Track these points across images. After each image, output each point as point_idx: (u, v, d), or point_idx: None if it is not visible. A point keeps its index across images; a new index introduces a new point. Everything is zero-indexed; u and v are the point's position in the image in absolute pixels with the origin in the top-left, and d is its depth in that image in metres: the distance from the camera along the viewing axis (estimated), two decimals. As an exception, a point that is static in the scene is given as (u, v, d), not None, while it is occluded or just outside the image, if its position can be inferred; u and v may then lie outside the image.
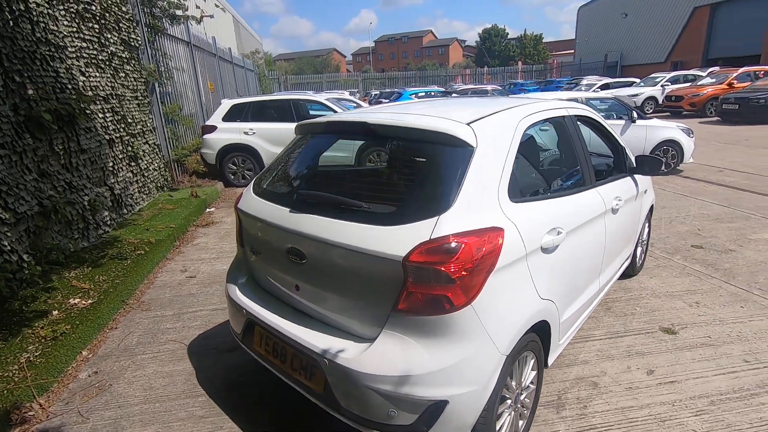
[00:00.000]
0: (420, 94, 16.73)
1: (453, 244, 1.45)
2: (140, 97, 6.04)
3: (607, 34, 34.81)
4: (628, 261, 3.20)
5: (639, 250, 3.52)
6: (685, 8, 27.50)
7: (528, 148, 2.17)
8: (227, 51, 13.81)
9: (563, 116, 2.34)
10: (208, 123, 7.64)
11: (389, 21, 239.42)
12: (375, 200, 1.71)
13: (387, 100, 17.15)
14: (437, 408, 1.48)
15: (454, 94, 14.61)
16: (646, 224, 3.61)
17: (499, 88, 19.81)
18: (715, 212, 5.31)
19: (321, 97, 8.14)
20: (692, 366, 2.47)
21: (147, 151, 6.14)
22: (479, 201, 1.58)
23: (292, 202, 1.89)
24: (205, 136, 7.54)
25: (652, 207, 3.62)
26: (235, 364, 2.66)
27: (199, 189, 6.70)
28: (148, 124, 6.27)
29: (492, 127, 1.79)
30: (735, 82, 15.25)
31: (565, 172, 2.34)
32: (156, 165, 6.37)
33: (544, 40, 64.74)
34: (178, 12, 7.30)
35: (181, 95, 8.21)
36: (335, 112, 7.60)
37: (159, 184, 6.49)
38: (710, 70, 19.00)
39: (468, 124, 1.74)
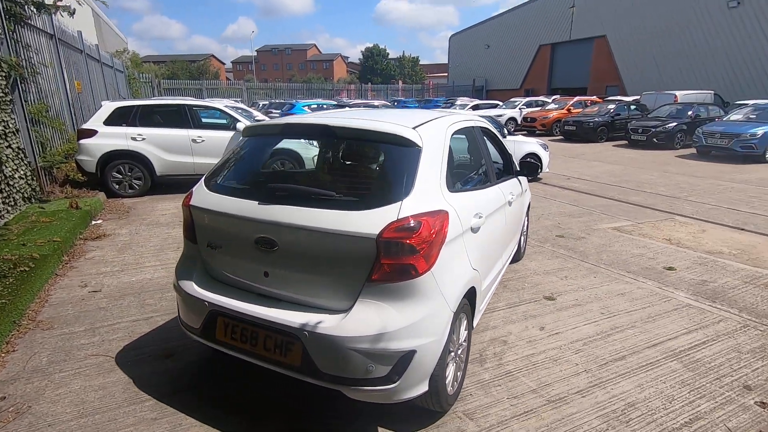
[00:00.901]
0: (313, 106, 16.97)
1: (416, 222, 1.81)
2: (0, 94, 5.21)
3: (474, 62, 39.52)
4: (516, 247, 3.94)
5: (522, 239, 4.33)
6: (533, 45, 32.80)
7: (452, 150, 2.66)
8: (94, 48, 12.32)
9: (473, 127, 2.90)
10: (86, 126, 6.83)
11: (269, 31, 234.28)
12: (342, 191, 1.98)
13: (278, 112, 16.99)
14: (407, 357, 1.80)
15: (347, 108, 15.20)
16: (526, 218, 4.46)
17: (387, 103, 21.07)
18: (568, 210, 6.63)
19: (220, 104, 7.88)
20: (569, 321, 3.21)
21: (10, 156, 5.30)
22: (429, 189, 1.97)
23: (261, 195, 2.04)
24: (83, 142, 6.73)
25: (529, 204, 4.48)
26: (178, 367, 2.61)
27: (79, 200, 5.96)
28: (11, 125, 5.41)
29: (431, 131, 2.20)
30: (572, 108, 18.79)
31: (476, 171, 2.89)
32: (22, 172, 5.52)
33: (420, 63, 70.44)
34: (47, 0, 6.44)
35: (47, 94, 7.18)
36: (237, 120, 7.45)
37: (26, 195, 5.62)
38: (554, 97, 22.97)
39: (414, 128, 2.12)
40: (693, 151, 12.84)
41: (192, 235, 2.29)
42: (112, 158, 6.83)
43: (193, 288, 2.17)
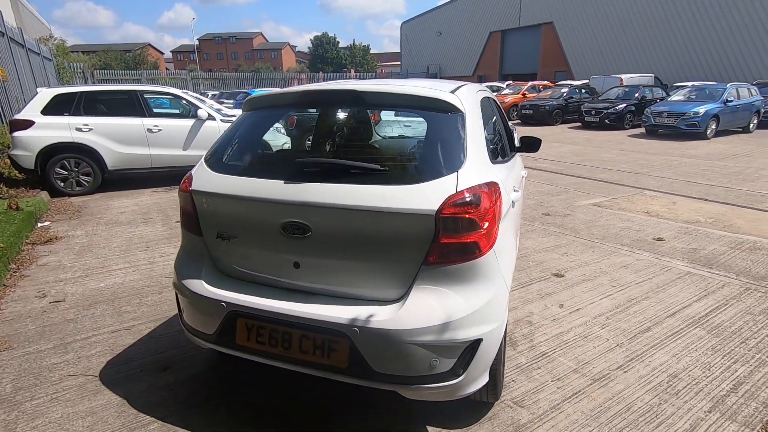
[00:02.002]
0: (269, 95, 16.21)
1: (476, 195, 1.60)
2: None
3: (427, 49, 39.63)
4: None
5: (519, 217, 4.25)
6: (483, 32, 33.34)
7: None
8: (18, 32, 10.95)
9: (488, 96, 2.71)
10: (19, 117, 5.99)
11: (211, 19, 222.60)
12: (385, 163, 1.73)
13: (231, 102, 16.08)
14: (473, 347, 1.60)
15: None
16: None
17: None
18: (546, 189, 6.70)
19: (178, 90, 7.21)
20: (584, 296, 3.15)
21: (-70, 151, 4.51)
22: (479, 159, 1.76)
23: (286, 173, 1.74)
24: (17, 134, 5.91)
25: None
26: (180, 380, 2.26)
27: (19, 200, 5.21)
28: (-73, 116, 4.61)
29: (467, 95, 1.98)
30: (527, 93, 19.26)
31: (500, 143, 2.72)
32: (-54, 170, 4.73)
33: (371, 51, 69.77)
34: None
35: (-32, 81, 6.23)
36: (197, 107, 6.85)
37: (-48, 197, 4.84)
38: (507, 83, 23.49)
39: (452, 92, 1.89)
40: (642, 130, 13.56)
41: (194, 225, 1.95)
42: (55, 152, 6.05)
43: (204, 287, 1.84)
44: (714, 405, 2.04)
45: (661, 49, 22.85)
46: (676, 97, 13.84)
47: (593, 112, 14.89)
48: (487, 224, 1.61)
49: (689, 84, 15.78)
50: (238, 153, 2.02)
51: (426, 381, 1.59)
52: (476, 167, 1.70)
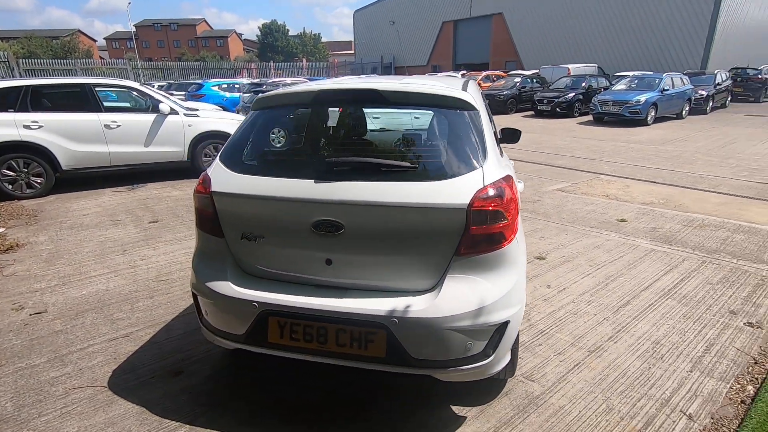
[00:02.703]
0: (223, 86, 15.63)
1: (500, 188, 1.71)
2: None
3: (381, 38, 39.51)
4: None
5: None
6: (436, 21, 33.72)
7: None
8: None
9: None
10: (-46, 114, 5.43)
11: (147, 4, 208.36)
12: (412, 160, 1.80)
13: (183, 93, 15.30)
14: (502, 329, 1.73)
15: (264, 86, 14.16)
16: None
17: (307, 80, 19.95)
18: (512, 176, 7.02)
19: (135, 83, 6.79)
20: (567, 276, 3.40)
21: None
22: (495, 153, 1.88)
23: (316, 172, 1.77)
24: (-46, 133, 5.36)
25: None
26: (196, 384, 2.24)
27: (-35, 206, 4.77)
28: None
29: (475, 92, 2.10)
30: (482, 82, 19.79)
31: (497, 136, 2.86)
32: None
33: (322, 40, 68.49)
34: None
35: None
36: (158, 101, 6.52)
37: None
38: (461, 72, 23.99)
39: (463, 90, 1.99)
40: (590, 117, 14.41)
41: (215, 227, 1.93)
42: (0, 152, 5.55)
43: (232, 289, 1.84)
44: (693, 365, 2.32)
45: (601, 41, 24.25)
46: (618, 86, 14.79)
47: (545, 101, 15.61)
48: (510, 215, 1.74)
49: (630, 74, 16.91)
50: (257, 153, 2.02)
51: (461, 363, 1.71)
52: (495, 161, 1.82)
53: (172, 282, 3.40)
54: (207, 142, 6.92)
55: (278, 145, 2.22)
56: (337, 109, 2.40)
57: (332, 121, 2.35)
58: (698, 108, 15.12)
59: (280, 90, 2.07)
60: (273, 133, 2.13)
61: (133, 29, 66.70)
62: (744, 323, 2.71)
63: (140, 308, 3.01)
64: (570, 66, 19.62)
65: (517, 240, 1.80)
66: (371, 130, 3.22)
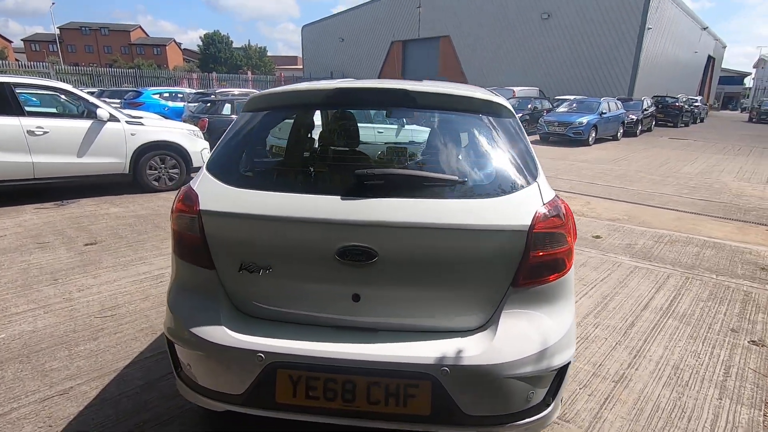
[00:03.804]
0: (165, 95, 14.56)
1: (558, 207, 1.48)
2: None
3: (330, 54, 39.46)
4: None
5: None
6: (386, 40, 34.29)
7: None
8: None
9: None
10: None
11: (73, 7, 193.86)
12: (456, 173, 1.51)
13: (119, 101, 14.03)
14: (563, 372, 1.48)
15: (213, 96, 13.29)
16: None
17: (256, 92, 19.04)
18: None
19: (67, 85, 5.94)
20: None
21: None
22: (540, 167, 1.65)
23: (341, 186, 1.43)
24: None
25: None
26: (169, 455, 1.75)
27: None
28: None
29: (506, 101, 1.87)
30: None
31: None
32: None
33: (267, 54, 67.26)
34: None
35: None
36: (95, 105, 5.75)
37: None
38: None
39: (496, 95, 1.76)
40: (537, 137, 15.08)
41: (202, 256, 1.51)
42: None
43: (228, 336, 1.43)
44: (721, 392, 2.22)
45: (541, 66, 25.88)
46: (561, 108, 15.70)
47: (495, 121, 16.13)
48: (570, 237, 1.50)
49: (570, 97, 18.05)
50: (259, 161, 1.63)
51: (520, 417, 1.42)
52: (543, 177, 1.59)
53: (121, 318, 2.82)
54: (153, 153, 6.21)
55: (281, 152, 1.84)
56: (371, 111, 2.03)
57: (351, 125, 1.99)
58: (630, 131, 16.41)
59: (284, 88, 1.71)
60: (277, 138, 1.76)
61: (57, 31, 61.43)
62: (748, 341, 2.68)
63: (81, 354, 2.43)
64: (515, 88, 20.60)
65: (573, 267, 1.57)
66: (396, 143, 2.86)
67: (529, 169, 1.54)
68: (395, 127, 6.18)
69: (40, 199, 5.61)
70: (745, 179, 8.54)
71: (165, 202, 5.75)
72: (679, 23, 28.23)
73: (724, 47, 46.07)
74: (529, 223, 1.39)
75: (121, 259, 3.80)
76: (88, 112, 5.75)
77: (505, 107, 1.68)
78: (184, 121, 9.41)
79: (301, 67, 49.18)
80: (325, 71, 38.96)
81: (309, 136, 2.02)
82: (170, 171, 6.41)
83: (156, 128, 6.32)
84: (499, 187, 1.47)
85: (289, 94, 1.71)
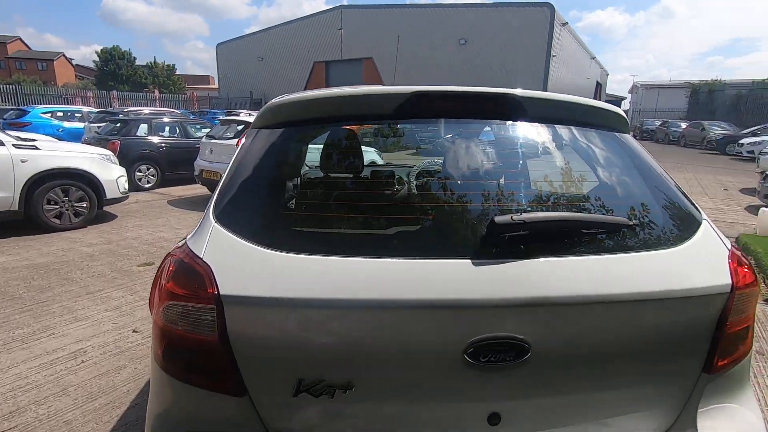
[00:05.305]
0: (58, 114, 12.55)
1: (740, 254, 1.08)
2: None
3: (249, 73, 37.80)
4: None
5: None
6: (308, 61, 33.74)
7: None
8: None
9: None
10: None
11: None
12: (617, 212, 1.05)
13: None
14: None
15: (121, 114, 11.59)
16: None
17: (177, 112, 16.97)
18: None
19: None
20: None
21: None
22: None
23: (461, 245, 0.89)
24: None
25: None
26: None
27: None
28: None
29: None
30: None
31: None
32: None
33: (177, 72, 62.95)
34: None
35: None
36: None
37: None
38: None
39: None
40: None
41: (225, 376, 0.87)
42: None
43: None
44: None
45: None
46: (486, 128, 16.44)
47: (427, 140, 16.41)
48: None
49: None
50: (312, 206, 1.02)
51: None
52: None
53: (25, 427, 1.91)
54: (51, 183, 4.99)
55: (339, 187, 1.21)
56: (484, 127, 1.31)
57: (454, 144, 1.34)
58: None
59: (325, 92, 1.13)
60: (325, 167, 1.16)
61: None
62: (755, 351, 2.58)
63: None
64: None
65: None
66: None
67: (689, 200, 1.14)
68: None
69: None
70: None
71: (72, 243, 4.57)
72: (575, 52, 31.69)
73: (608, 74, 52.76)
74: (729, 280, 0.98)
75: (17, 332, 2.77)
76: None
77: (627, 122, 1.29)
78: (86, 144, 8.01)
79: (214, 86, 46.74)
80: (244, 91, 37.28)
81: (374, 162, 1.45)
82: (75, 205, 5.20)
83: (55, 153, 5.12)
84: (674, 231, 1.04)
85: (336, 100, 1.13)
